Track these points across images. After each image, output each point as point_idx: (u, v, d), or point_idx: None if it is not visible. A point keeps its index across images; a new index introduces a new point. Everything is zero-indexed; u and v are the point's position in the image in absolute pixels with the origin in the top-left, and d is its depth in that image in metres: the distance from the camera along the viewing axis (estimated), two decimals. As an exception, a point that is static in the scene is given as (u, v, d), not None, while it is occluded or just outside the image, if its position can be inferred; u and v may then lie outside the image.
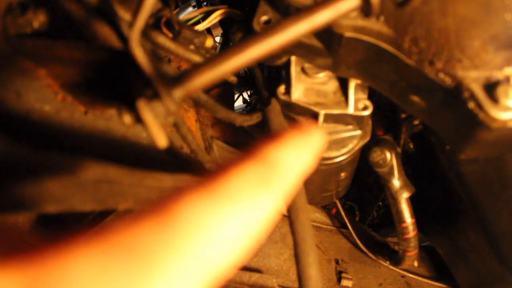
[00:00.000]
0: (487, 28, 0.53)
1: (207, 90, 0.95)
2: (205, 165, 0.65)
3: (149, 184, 0.47)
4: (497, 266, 0.76)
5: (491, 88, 0.54)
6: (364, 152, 0.87)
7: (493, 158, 0.69)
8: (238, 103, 1.96)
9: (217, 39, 1.59)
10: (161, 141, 0.43)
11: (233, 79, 0.86)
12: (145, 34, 0.62)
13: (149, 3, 0.40)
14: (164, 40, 0.62)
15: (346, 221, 1.03)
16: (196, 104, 0.75)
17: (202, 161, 0.65)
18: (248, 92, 1.83)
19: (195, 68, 0.44)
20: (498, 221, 0.71)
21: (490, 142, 0.59)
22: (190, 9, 1.62)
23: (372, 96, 0.88)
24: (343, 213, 1.03)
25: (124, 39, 0.49)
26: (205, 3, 1.24)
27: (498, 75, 0.54)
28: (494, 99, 0.53)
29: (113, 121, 0.63)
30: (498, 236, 0.71)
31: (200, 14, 0.83)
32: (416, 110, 0.65)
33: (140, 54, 0.40)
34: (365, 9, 0.48)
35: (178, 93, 0.43)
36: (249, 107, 1.84)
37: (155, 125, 0.42)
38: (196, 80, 0.44)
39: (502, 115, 0.53)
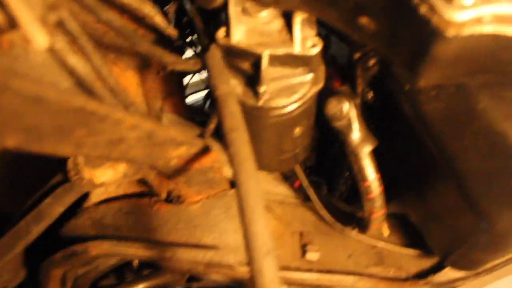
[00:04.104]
0: None
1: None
2: (129, 108, 0.57)
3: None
4: (469, 216, 0.68)
5: (443, -13, 0.47)
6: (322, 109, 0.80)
7: (455, 90, 0.62)
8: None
9: None
10: (40, 39, 0.35)
11: (173, 32, 0.78)
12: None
13: None
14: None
15: (309, 190, 0.95)
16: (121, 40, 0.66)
17: (125, 102, 0.56)
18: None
19: None
20: (465, 159, 0.63)
21: (449, 59, 0.52)
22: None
23: (328, 48, 0.81)
24: (305, 180, 0.95)
25: None
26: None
27: (451, -28, 0.47)
28: (447, -2, 0.46)
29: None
30: (466, 177, 0.64)
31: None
32: (367, 35, 0.58)
33: None
34: None
35: (57, -23, 0.35)
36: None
37: (29, 17, 0.34)
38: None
39: (457, 15, 0.46)
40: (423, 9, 0.48)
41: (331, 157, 1.12)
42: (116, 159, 0.65)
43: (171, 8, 0.85)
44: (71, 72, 0.57)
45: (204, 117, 1.38)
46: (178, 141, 0.61)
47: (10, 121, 0.39)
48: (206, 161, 0.75)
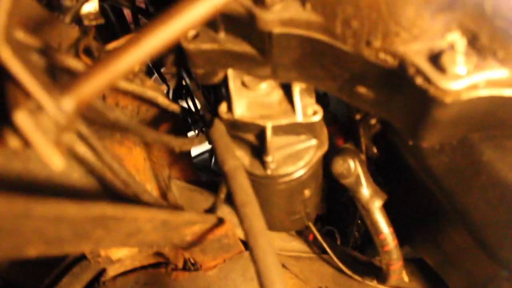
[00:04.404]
0: (418, -8, 0.48)
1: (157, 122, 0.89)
2: (142, 197, 0.58)
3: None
4: (488, 263, 0.68)
5: (436, 58, 0.48)
6: (329, 167, 0.81)
7: (459, 143, 0.63)
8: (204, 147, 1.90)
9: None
10: (55, 161, 0.36)
11: (176, 108, 0.80)
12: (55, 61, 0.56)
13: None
14: (76, 64, 0.55)
15: (324, 244, 0.95)
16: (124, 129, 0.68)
17: (137, 192, 0.57)
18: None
19: (85, 71, 0.38)
20: (477, 211, 0.64)
21: (448, 122, 0.53)
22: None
23: (327, 105, 0.83)
24: (319, 237, 0.95)
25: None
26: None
27: (441, 43, 0.49)
28: (441, 69, 0.48)
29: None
30: (480, 228, 0.64)
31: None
32: (367, 103, 0.60)
33: (6, 55, 0.34)
34: None
35: (68, 102, 0.37)
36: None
37: (44, 142, 0.35)
38: (89, 84, 0.37)
39: (453, 85, 0.47)
40: (418, 81, 0.49)
41: (341, 204, 1.12)
42: (133, 246, 0.66)
43: (171, 82, 0.87)
44: (81, 162, 0.59)
45: (211, 175, 1.39)
46: (191, 222, 0.62)
47: (32, 237, 0.40)
48: (220, 231, 0.75)
